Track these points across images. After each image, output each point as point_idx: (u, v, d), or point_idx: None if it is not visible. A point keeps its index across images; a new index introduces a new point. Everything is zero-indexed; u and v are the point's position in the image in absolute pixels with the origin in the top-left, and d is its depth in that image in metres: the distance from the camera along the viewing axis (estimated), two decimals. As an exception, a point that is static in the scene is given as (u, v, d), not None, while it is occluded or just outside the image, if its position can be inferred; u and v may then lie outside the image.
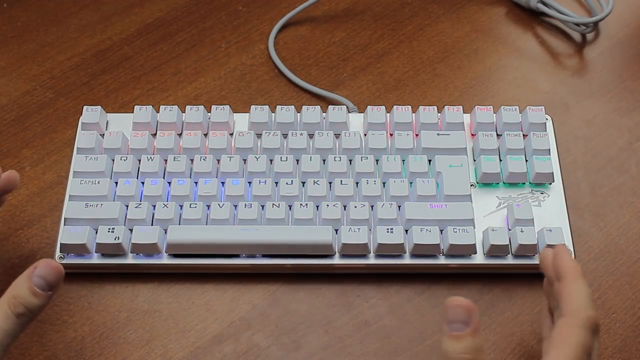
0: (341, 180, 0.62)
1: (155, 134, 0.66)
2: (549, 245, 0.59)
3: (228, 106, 0.67)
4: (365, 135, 0.66)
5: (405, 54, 0.76)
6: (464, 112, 0.67)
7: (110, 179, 0.63)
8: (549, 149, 0.65)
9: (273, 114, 0.67)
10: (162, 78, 0.74)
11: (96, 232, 0.61)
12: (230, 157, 0.64)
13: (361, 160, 0.64)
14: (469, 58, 0.76)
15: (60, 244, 0.60)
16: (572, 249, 0.61)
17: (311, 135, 0.66)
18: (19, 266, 0.62)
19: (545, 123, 0.66)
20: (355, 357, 0.58)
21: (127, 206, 0.62)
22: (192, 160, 0.64)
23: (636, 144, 0.70)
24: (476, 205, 0.63)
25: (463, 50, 0.77)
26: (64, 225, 0.61)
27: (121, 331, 0.59)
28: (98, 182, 0.62)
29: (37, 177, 0.67)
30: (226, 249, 0.60)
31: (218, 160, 0.64)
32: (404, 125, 0.66)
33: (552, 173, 0.64)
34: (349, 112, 0.68)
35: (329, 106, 0.67)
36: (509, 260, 0.61)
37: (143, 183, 0.63)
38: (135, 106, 0.67)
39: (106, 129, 0.67)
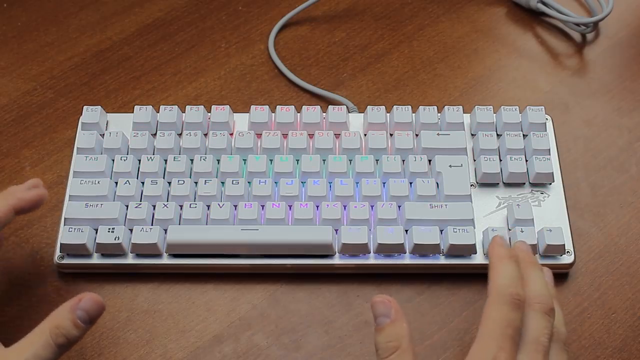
0: (341, 180, 0.62)
1: (155, 134, 0.66)
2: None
3: (228, 106, 0.67)
4: (365, 135, 0.66)
5: (405, 54, 0.76)
6: (464, 112, 0.67)
7: (110, 179, 0.63)
8: (549, 149, 0.65)
9: (273, 114, 0.67)
10: (162, 78, 0.74)
11: (96, 232, 0.61)
12: (230, 157, 0.64)
13: (361, 160, 0.64)
14: (469, 58, 0.76)
15: (60, 244, 0.60)
16: (572, 249, 0.61)
17: (311, 135, 0.66)
18: (19, 266, 0.62)
19: (545, 123, 0.66)
20: (355, 357, 0.58)
21: (127, 206, 0.62)
22: (192, 160, 0.64)
23: (636, 144, 0.70)
24: (476, 205, 0.63)
25: (463, 50, 0.77)
26: (64, 225, 0.61)
27: (121, 331, 0.59)
28: (98, 182, 0.62)
29: (37, 177, 0.67)
30: (226, 249, 0.60)
31: (218, 160, 0.64)
32: (404, 125, 0.66)
33: (552, 173, 0.64)
34: (349, 112, 0.68)
35: (329, 106, 0.67)
36: (509, 260, 0.61)
37: (143, 183, 0.63)
38: (135, 106, 0.67)
39: (106, 129, 0.67)
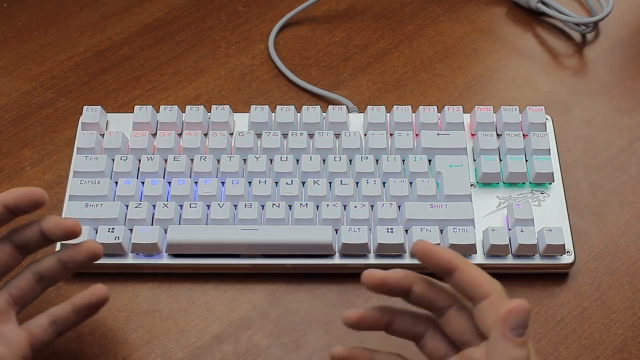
0: (341, 180, 0.62)
1: (155, 134, 0.66)
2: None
3: (228, 106, 0.67)
4: (365, 135, 0.66)
5: (405, 54, 0.76)
6: (464, 112, 0.67)
7: (110, 179, 0.63)
8: (549, 149, 0.65)
9: (273, 114, 0.67)
10: (162, 78, 0.74)
11: (96, 232, 0.61)
12: (230, 157, 0.64)
13: (361, 160, 0.64)
14: (469, 58, 0.76)
15: (61, 243, 0.60)
16: (572, 249, 0.61)
17: (311, 135, 0.66)
18: (19, 266, 0.62)
19: (545, 123, 0.66)
20: (355, 357, 0.58)
21: (127, 206, 0.62)
22: (192, 160, 0.64)
23: (636, 144, 0.70)
24: (476, 205, 0.63)
25: (463, 50, 0.77)
26: (64, 225, 0.61)
27: (121, 331, 0.59)
28: (98, 182, 0.62)
29: (37, 177, 0.67)
30: (226, 249, 0.60)
31: (218, 160, 0.64)
32: (404, 125, 0.66)
33: (552, 173, 0.64)
34: (349, 112, 0.68)
35: (329, 106, 0.67)
36: (509, 260, 0.61)
37: (143, 183, 0.63)
38: (135, 106, 0.67)
39: (106, 129, 0.67)
